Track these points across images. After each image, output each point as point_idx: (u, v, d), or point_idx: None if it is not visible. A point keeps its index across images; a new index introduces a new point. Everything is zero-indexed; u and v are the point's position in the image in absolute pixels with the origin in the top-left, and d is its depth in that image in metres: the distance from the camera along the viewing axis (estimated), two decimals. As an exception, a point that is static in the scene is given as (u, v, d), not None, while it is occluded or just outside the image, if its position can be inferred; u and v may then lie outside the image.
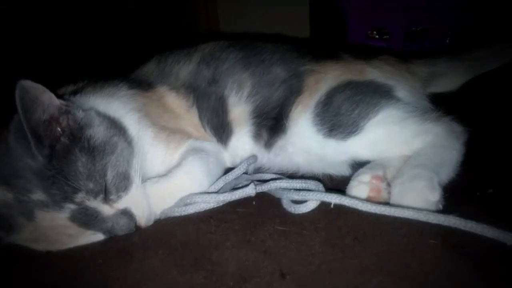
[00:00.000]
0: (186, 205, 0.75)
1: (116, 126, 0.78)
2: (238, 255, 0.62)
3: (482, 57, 1.07)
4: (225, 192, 0.78)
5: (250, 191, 0.76)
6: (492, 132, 0.96)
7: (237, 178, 0.83)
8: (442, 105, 0.91)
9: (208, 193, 0.78)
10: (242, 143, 0.96)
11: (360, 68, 0.93)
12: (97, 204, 0.69)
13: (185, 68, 0.97)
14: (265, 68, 0.95)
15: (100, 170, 0.70)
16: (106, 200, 0.70)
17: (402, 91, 0.89)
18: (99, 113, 0.78)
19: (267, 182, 0.78)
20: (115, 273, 0.62)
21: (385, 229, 0.65)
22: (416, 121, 0.83)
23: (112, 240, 0.71)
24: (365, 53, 1.00)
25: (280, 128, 0.92)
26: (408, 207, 0.67)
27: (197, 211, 0.75)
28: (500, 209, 0.70)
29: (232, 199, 0.76)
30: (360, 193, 0.76)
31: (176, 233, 0.69)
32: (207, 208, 0.75)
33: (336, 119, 0.85)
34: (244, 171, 0.85)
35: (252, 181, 0.80)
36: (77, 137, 0.71)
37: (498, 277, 0.56)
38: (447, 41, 1.66)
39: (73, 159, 0.68)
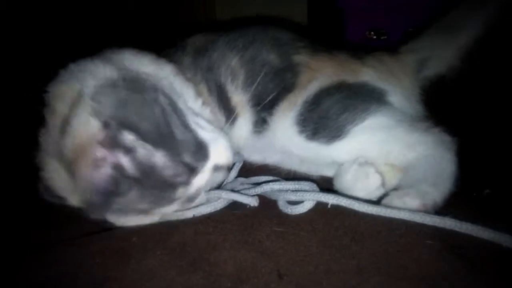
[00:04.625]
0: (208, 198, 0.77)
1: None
2: (235, 255, 0.63)
3: (456, 20, 0.97)
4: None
5: (251, 201, 0.75)
6: (488, 133, 0.96)
7: (232, 182, 0.83)
8: (436, 107, 0.91)
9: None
10: (246, 130, 0.94)
11: (354, 68, 0.90)
12: (193, 183, 0.72)
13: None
14: (255, 51, 0.91)
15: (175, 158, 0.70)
16: (196, 173, 0.72)
17: (395, 96, 0.87)
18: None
19: (261, 185, 0.78)
20: (113, 273, 0.62)
21: (382, 229, 0.65)
22: (405, 130, 0.81)
23: (111, 240, 0.71)
24: (362, 51, 0.98)
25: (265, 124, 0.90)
26: (404, 209, 0.67)
27: (196, 215, 0.75)
28: (497, 210, 0.71)
29: (233, 199, 0.76)
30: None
31: (174, 233, 0.69)
32: (205, 213, 0.75)
33: (322, 122, 0.83)
34: (234, 175, 0.84)
35: (254, 195, 0.78)
36: None
37: (495, 277, 0.56)
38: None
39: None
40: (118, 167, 0.65)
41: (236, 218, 0.73)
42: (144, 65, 0.79)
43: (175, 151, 0.69)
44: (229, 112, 0.92)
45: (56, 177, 0.73)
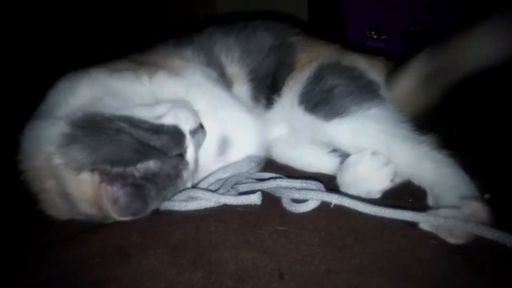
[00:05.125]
0: (188, 198, 0.77)
1: None
2: (237, 255, 0.62)
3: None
4: (226, 190, 0.78)
5: (255, 199, 0.74)
6: (487, 137, 0.96)
7: (236, 176, 0.82)
8: (438, 111, 0.90)
9: (211, 191, 0.78)
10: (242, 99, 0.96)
11: (349, 53, 0.95)
12: (188, 160, 0.77)
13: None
14: (249, 33, 0.98)
15: None
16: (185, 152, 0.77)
17: (386, 91, 0.89)
18: None
19: (267, 181, 0.78)
20: (113, 272, 0.62)
21: (385, 229, 0.65)
22: (405, 135, 0.79)
23: (111, 239, 0.70)
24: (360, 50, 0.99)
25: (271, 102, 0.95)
26: (408, 210, 0.66)
27: (197, 208, 0.75)
28: (497, 214, 0.70)
29: (234, 203, 0.74)
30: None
31: (175, 232, 0.69)
32: (207, 206, 0.75)
33: (325, 97, 0.85)
34: (245, 171, 0.84)
35: (258, 190, 0.77)
36: None
37: (497, 277, 0.56)
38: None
39: None
40: (126, 183, 0.69)
41: (238, 216, 0.72)
42: (79, 92, 0.78)
43: (161, 154, 0.73)
44: (223, 79, 0.95)
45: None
